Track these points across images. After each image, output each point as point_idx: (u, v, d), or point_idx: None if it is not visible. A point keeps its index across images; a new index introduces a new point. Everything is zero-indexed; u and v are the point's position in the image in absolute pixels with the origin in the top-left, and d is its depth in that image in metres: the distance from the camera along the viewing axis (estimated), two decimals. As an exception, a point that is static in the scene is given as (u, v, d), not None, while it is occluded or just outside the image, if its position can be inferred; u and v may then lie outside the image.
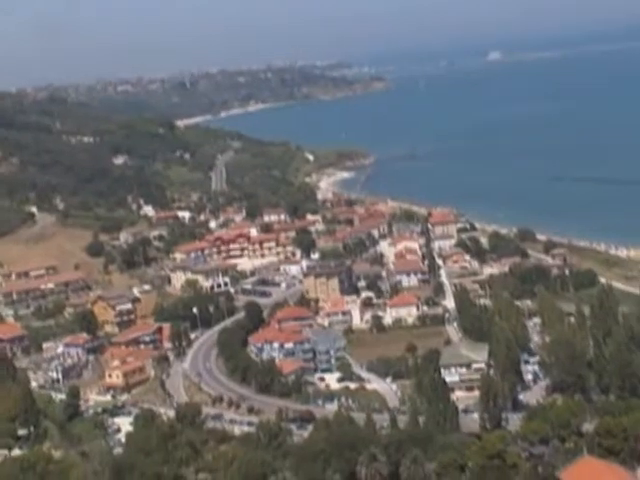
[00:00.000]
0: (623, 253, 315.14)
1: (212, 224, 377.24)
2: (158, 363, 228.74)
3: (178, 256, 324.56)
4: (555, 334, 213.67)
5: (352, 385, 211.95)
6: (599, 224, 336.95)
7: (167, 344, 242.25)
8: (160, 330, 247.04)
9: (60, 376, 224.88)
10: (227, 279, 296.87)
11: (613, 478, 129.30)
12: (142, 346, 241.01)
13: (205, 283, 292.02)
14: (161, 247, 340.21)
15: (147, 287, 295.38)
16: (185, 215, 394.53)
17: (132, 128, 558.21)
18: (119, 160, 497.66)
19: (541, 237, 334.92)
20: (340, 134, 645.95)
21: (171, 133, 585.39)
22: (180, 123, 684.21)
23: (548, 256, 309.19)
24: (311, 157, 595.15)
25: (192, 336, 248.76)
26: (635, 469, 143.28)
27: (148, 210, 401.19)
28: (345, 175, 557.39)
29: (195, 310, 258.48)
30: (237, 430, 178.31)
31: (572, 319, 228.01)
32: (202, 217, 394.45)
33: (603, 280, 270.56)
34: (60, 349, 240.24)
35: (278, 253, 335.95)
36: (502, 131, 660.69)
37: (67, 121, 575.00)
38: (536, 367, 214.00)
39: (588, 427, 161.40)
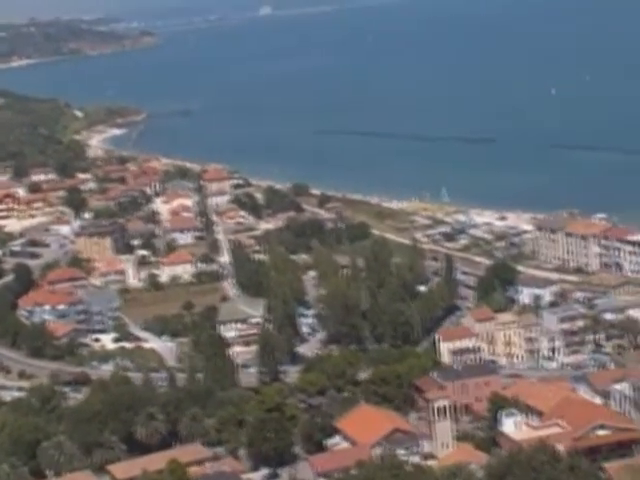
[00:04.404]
0: (395, 205, 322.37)
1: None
2: None
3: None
4: (330, 287, 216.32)
5: (128, 345, 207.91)
6: (371, 178, 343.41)
7: None
8: None
9: None
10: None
11: (387, 424, 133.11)
12: None
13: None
14: None
15: None
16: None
17: None
18: None
19: (315, 191, 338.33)
20: (108, 90, 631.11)
21: None
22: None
23: (323, 210, 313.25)
24: (80, 114, 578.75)
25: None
26: (408, 414, 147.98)
27: None
28: (116, 132, 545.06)
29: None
30: (7, 396, 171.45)
31: (347, 271, 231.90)
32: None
33: (376, 232, 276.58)
34: None
35: (48, 213, 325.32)
36: (271, 86, 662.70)
37: None
38: (312, 320, 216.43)
39: (364, 376, 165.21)
